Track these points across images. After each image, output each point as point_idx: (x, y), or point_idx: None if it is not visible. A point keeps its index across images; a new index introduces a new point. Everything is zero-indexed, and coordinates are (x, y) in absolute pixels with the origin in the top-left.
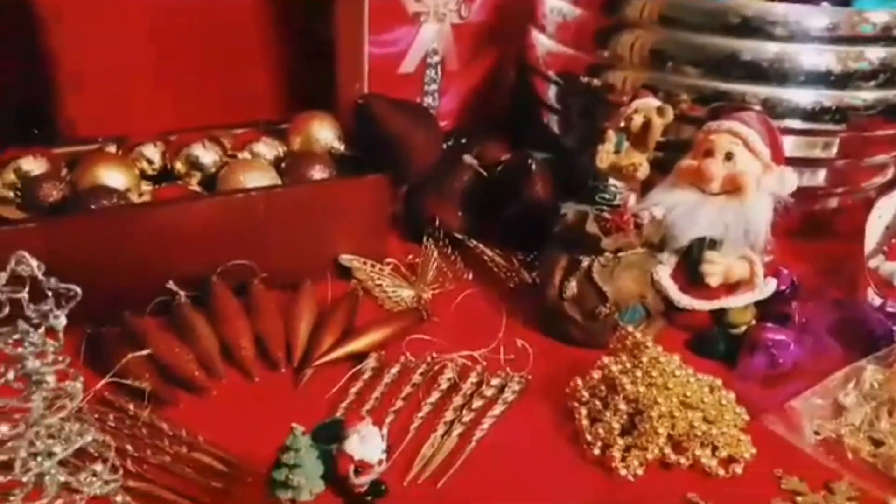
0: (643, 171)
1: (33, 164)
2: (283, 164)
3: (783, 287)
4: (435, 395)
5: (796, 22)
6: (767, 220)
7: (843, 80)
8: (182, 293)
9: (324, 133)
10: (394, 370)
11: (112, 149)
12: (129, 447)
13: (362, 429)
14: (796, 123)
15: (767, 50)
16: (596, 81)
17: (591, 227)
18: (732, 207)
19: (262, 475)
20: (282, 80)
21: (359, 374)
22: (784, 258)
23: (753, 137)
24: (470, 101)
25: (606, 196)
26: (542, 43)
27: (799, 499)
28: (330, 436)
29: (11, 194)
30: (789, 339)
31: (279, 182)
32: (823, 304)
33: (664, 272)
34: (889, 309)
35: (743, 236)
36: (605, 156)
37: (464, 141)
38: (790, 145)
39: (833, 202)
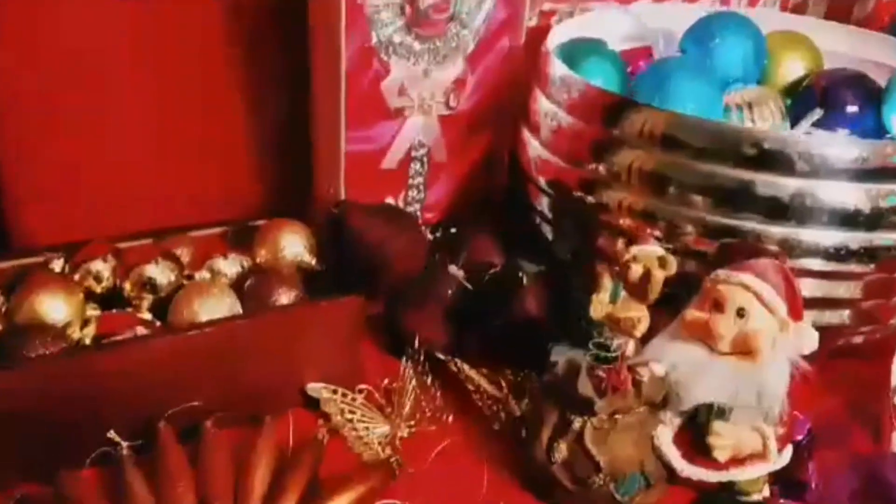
0: (642, 327)
1: None
2: (246, 284)
3: (799, 437)
4: None
5: (820, 155)
6: (784, 387)
7: (873, 219)
8: (124, 444)
9: (293, 245)
10: None
11: (58, 265)
12: None
13: None
14: (817, 264)
15: (787, 185)
16: (590, 199)
17: (584, 388)
18: (744, 371)
19: None
20: (252, 176)
21: None
22: (802, 391)
23: (769, 293)
24: (459, 192)
25: (601, 348)
26: (534, 146)
27: None
28: None
29: None
30: None
31: (239, 308)
32: (844, 464)
33: (666, 436)
34: None
35: (756, 404)
36: (600, 306)
37: (450, 238)
38: (809, 286)
39: (858, 339)
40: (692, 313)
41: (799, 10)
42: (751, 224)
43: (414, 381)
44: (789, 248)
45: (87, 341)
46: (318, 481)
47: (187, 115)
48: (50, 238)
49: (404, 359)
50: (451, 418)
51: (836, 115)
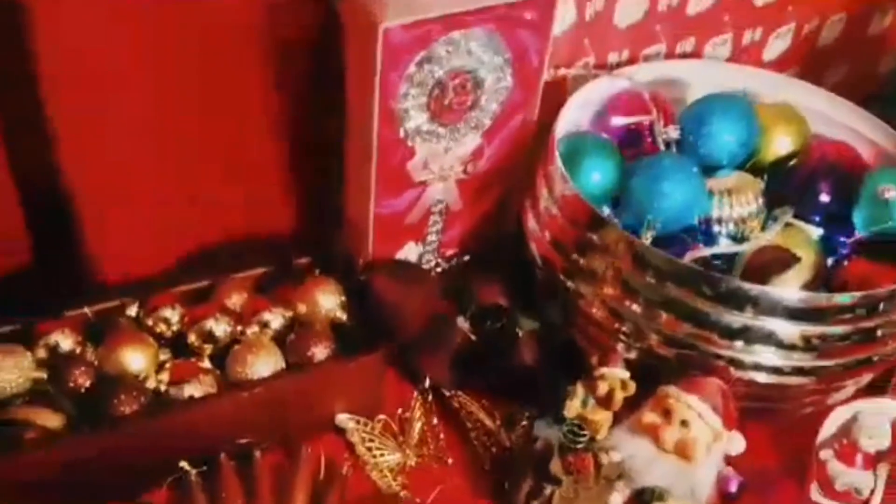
0: (605, 430)
1: (61, 337)
2: (288, 338)
3: (732, 490)
4: None
5: (767, 299)
6: (711, 482)
7: (809, 349)
8: (192, 471)
9: (327, 302)
10: None
11: (133, 310)
12: None
13: None
14: (761, 377)
15: (737, 319)
16: (570, 283)
17: (555, 467)
18: (682, 469)
19: None
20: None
21: None
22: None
23: (708, 413)
24: (472, 233)
25: (572, 437)
26: (532, 219)
27: None
28: None
29: (45, 375)
30: None
31: (282, 362)
32: None
33: (618, 503)
34: None
35: (688, 495)
36: (572, 408)
37: (461, 285)
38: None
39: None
40: (648, 416)
41: (814, 35)
42: (705, 342)
43: (422, 416)
44: (737, 363)
45: (163, 388)
46: None
47: (218, 133)
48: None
49: (415, 394)
50: (451, 460)
51: (810, 202)
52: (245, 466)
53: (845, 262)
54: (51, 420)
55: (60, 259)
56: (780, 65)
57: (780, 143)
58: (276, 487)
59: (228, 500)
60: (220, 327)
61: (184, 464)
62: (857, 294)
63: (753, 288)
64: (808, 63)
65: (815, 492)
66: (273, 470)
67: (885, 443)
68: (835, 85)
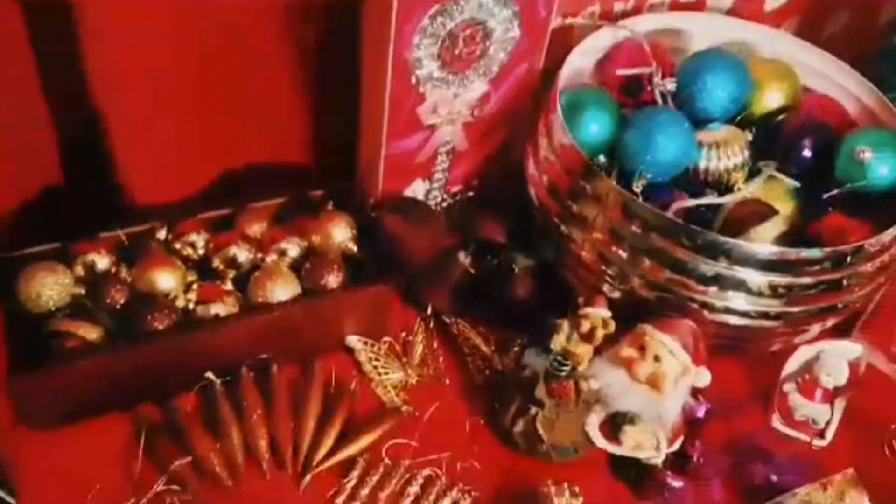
0: (584, 362)
1: (97, 257)
2: (304, 267)
3: (699, 415)
4: None
5: (739, 252)
6: (678, 412)
7: (776, 297)
8: (217, 381)
9: (340, 234)
10: (374, 478)
11: (162, 234)
12: None
13: None
14: (733, 320)
15: (711, 267)
16: (564, 229)
17: (540, 393)
18: (652, 397)
19: None
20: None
21: (346, 484)
22: (714, 371)
23: (678, 351)
24: (478, 172)
25: (556, 367)
26: (532, 163)
27: None
28: None
29: (83, 291)
30: (684, 486)
31: (298, 288)
32: (729, 441)
33: (594, 424)
34: (778, 460)
35: (656, 420)
36: (557, 342)
37: (465, 219)
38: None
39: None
40: (625, 350)
41: None
42: (682, 287)
43: (424, 340)
44: (710, 307)
45: (191, 306)
46: (350, 428)
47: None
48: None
49: (418, 319)
50: (448, 381)
51: (794, 156)
52: (264, 379)
53: (822, 216)
54: (90, 332)
55: (93, 184)
56: (780, 14)
57: (771, 99)
58: (291, 398)
59: (249, 407)
60: (242, 254)
61: (209, 374)
62: (826, 249)
63: (728, 241)
64: (808, 13)
65: (776, 420)
66: (289, 383)
67: (843, 380)
68: (833, 35)
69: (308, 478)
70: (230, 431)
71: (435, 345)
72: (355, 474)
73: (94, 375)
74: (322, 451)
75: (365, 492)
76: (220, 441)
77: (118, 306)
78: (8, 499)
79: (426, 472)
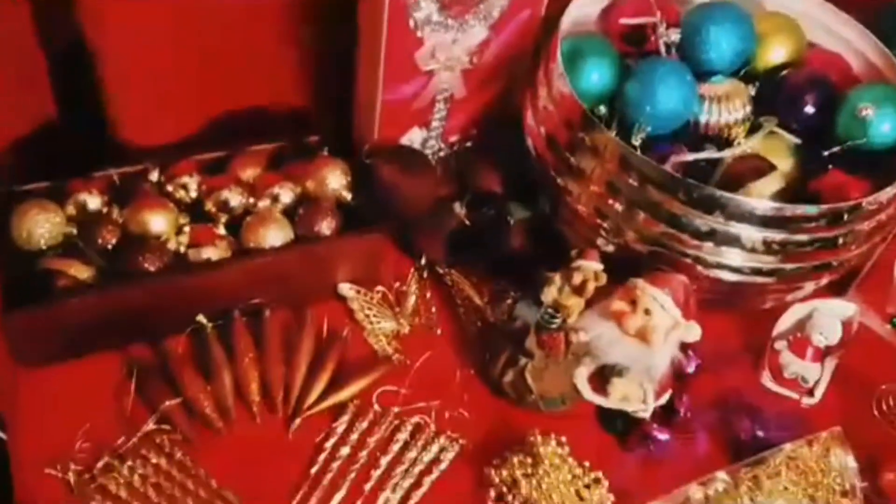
0: (575, 315)
1: (89, 197)
2: (297, 213)
3: (688, 370)
4: (390, 454)
5: (736, 207)
6: (667, 365)
7: (769, 252)
8: (209, 325)
9: (334, 181)
10: (363, 424)
11: (154, 176)
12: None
13: None
14: (726, 275)
15: (707, 222)
16: (561, 182)
17: (531, 344)
18: (641, 351)
19: None
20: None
21: (336, 428)
22: (706, 327)
23: (669, 305)
24: (475, 122)
25: (547, 319)
26: (530, 117)
27: None
28: None
29: (75, 230)
30: (670, 439)
31: (291, 234)
32: (718, 396)
33: (582, 375)
34: (765, 416)
35: (644, 373)
36: (549, 294)
37: (462, 167)
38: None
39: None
40: (616, 303)
41: None
42: (677, 241)
43: (417, 290)
44: (704, 262)
45: (182, 249)
46: (341, 374)
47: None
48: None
49: (412, 269)
50: (439, 331)
51: (796, 112)
52: (256, 324)
53: (823, 173)
54: (81, 271)
55: (85, 121)
56: None
57: (775, 53)
58: (283, 343)
59: (240, 352)
60: (235, 198)
61: (201, 317)
62: (822, 206)
63: (725, 195)
64: None
65: (766, 378)
66: (281, 328)
67: (835, 339)
68: None
69: (298, 422)
70: (221, 374)
71: (428, 295)
72: (345, 419)
73: (86, 314)
74: (312, 396)
75: (354, 437)
76: (211, 384)
77: (109, 247)
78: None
79: (415, 419)
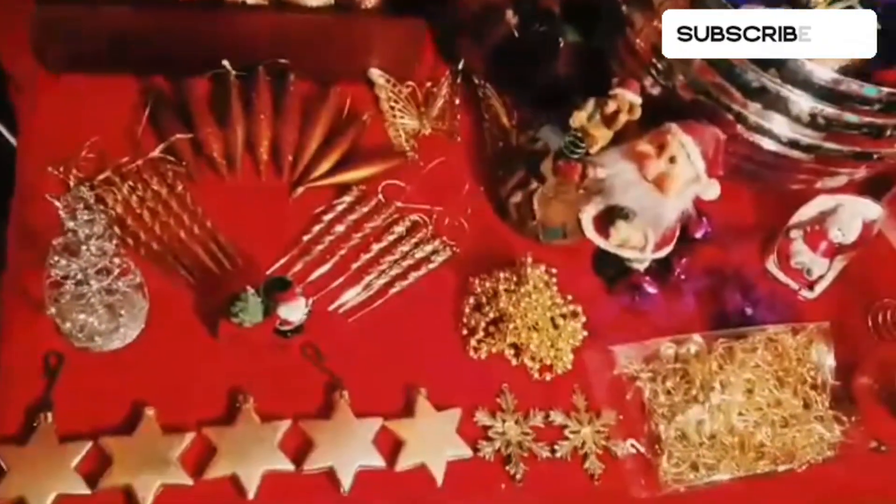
0: (598, 146)
1: None
2: None
3: (697, 235)
4: (384, 242)
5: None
6: (675, 218)
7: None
8: (232, 72)
9: None
10: (363, 209)
11: None
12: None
13: (293, 303)
14: (765, 142)
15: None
16: (625, 11)
17: (545, 168)
18: (655, 198)
19: (244, 270)
20: None
21: (336, 206)
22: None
23: (696, 156)
24: None
25: (571, 146)
26: None
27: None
28: (278, 285)
29: None
30: (657, 294)
31: (333, 1)
32: (707, 272)
33: (588, 214)
34: (757, 296)
35: (651, 221)
36: (578, 118)
37: None
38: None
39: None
40: (643, 146)
41: None
42: (725, 94)
43: (447, 94)
44: (744, 120)
45: None
46: (353, 156)
47: None
48: None
49: (447, 72)
50: (460, 139)
51: None
52: (279, 85)
53: (892, 66)
54: None
55: None
56: None
57: None
58: (302, 112)
59: (259, 107)
60: None
61: (225, 63)
62: (884, 90)
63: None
64: None
65: (771, 261)
66: (303, 97)
67: (851, 239)
68: None
69: (301, 190)
70: (235, 124)
71: (457, 101)
72: (347, 200)
73: (116, 26)
74: (320, 170)
75: (352, 217)
76: (224, 131)
77: None
78: (9, 137)
79: (415, 217)
